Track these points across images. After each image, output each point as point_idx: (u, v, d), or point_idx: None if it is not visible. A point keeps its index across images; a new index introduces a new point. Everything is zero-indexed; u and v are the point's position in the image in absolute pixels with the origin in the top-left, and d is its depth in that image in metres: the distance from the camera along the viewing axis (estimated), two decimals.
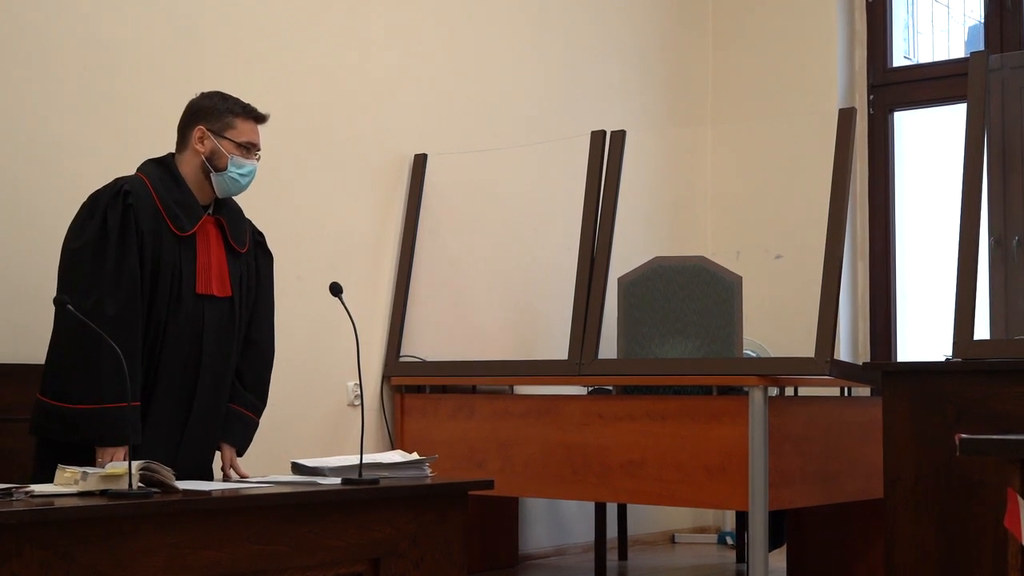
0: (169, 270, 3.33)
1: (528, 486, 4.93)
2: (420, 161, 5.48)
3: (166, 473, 2.81)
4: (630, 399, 4.76)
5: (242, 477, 3.46)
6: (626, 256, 5.35)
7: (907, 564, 3.95)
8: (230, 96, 3.48)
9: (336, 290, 3.36)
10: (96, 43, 4.39)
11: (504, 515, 5.61)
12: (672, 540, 6.62)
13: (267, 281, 3.63)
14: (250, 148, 3.45)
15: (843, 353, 6.36)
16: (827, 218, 4.50)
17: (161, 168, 3.42)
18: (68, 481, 2.74)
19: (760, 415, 4.35)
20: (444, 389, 5.27)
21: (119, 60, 4.46)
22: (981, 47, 6.21)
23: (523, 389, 5.27)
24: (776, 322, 6.06)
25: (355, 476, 3.15)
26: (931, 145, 6.68)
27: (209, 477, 3.43)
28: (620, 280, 5.23)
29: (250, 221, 3.60)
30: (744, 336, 5.18)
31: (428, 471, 3.38)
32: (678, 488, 4.55)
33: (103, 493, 2.68)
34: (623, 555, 6.02)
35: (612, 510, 5.92)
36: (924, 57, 6.82)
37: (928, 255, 6.50)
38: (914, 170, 6.66)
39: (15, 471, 3.44)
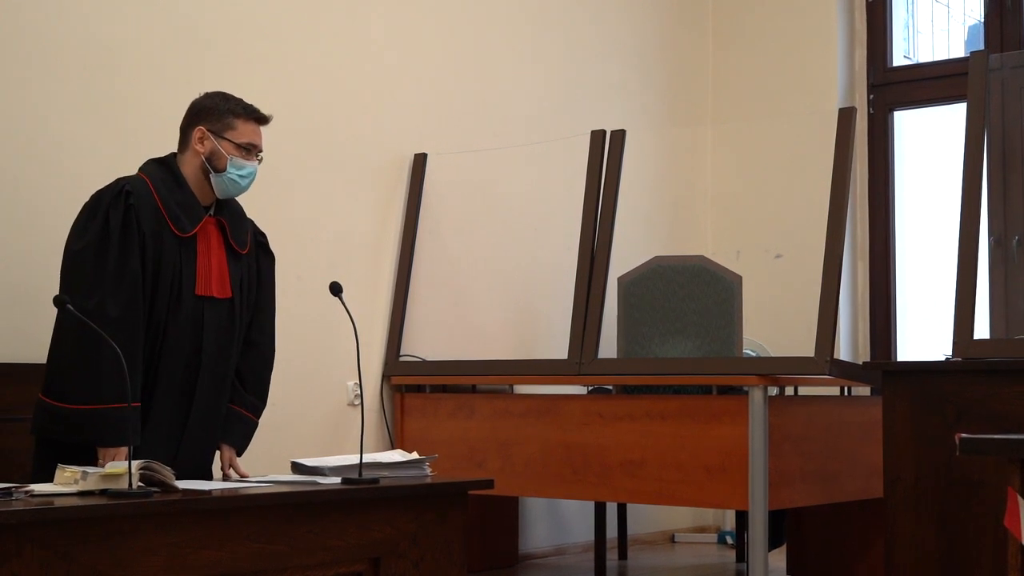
0: (170, 271, 3.32)
1: (528, 486, 4.93)
2: (420, 161, 5.48)
3: (166, 473, 2.81)
4: (630, 399, 4.76)
5: (242, 477, 3.46)
6: (626, 256, 5.35)
7: (907, 564, 3.95)
8: (232, 97, 3.47)
9: (336, 290, 3.36)
10: (96, 43, 4.39)
11: (504, 515, 5.61)
12: (672, 540, 6.62)
13: (268, 282, 3.63)
14: (250, 149, 3.43)
15: (843, 353, 6.36)
16: (827, 218, 4.50)
17: (163, 168, 3.42)
18: (68, 481, 2.74)
19: (760, 415, 4.35)
20: (444, 389, 5.27)
21: (119, 60, 4.46)
22: (981, 47, 6.21)
23: (523, 389, 5.27)
24: (776, 322, 6.06)
25: (355, 476, 3.15)
26: (931, 145, 6.68)
27: (209, 477, 3.43)
28: (620, 280, 5.23)
29: (252, 221, 3.60)
30: (744, 336, 5.18)
31: (428, 471, 3.38)
32: (678, 488, 4.55)
33: (103, 493, 2.68)
34: (623, 555, 6.02)
35: (612, 510, 5.92)
36: (924, 57, 6.82)
37: (928, 255, 6.50)
38: (914, 170, 6.66)
39: (15, 471, 3.44)
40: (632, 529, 6.21)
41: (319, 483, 3.10)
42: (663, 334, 5.13)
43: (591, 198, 5.02)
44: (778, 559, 5.32)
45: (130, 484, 2.69)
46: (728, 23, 7.00)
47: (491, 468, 4.91)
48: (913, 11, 6.82)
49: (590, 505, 5.74)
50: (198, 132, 3.42)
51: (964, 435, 2.81)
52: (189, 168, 3.42)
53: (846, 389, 5.05)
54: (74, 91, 4.32)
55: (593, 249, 4.97)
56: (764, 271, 6.30)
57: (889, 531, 3.99)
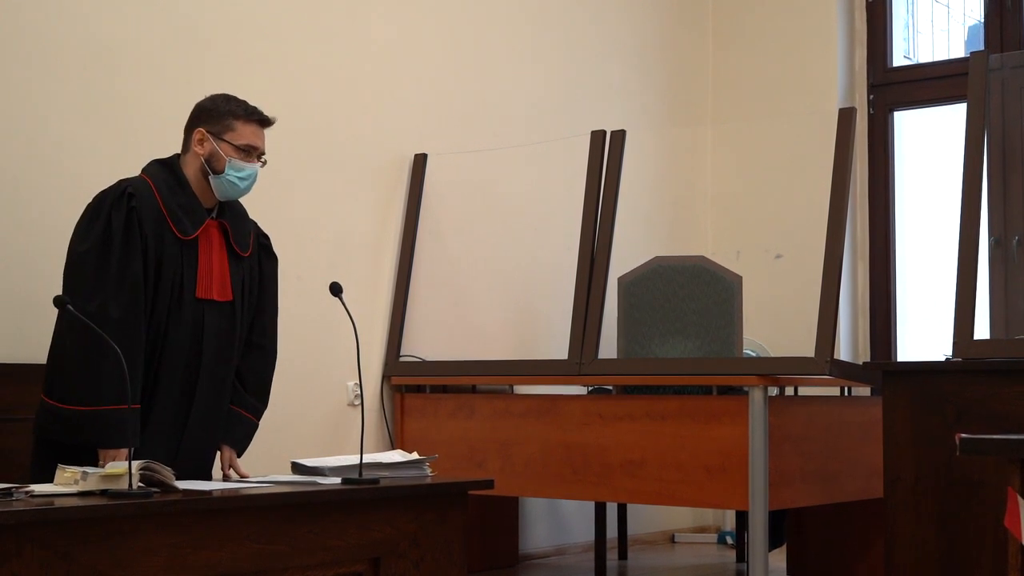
0: (171, 274, 3.32)
1: (528, 486, 4.93)
2: (420, 161, 5.48)
3: (166, 473, 2.81)
4: (630, 399, 4.76)
5: (242, 477, 3.47)
6: (626, 256, 5.35)
7: (907, 564, 3.95)
8: (235, 98, 3.46)
9: (336, 290, 3.36)
10: (96, 43, 4.39)
11: (504, 515, 5.61)
12: (672, 540, 6.62)
13: (271, 284, 3.62)
14: (250, 151, 3.43)
15: (843, 353, 6.36)
16: (827, 218, 4.50)
17: (166, 170, 3.41)
18: (68, 481, 2.74)
19: (760, 415, 4.35)
20: (444, 389, 5.27)
21: (119, 60, 4.46)
22: (981, 47, 6.21)
23: (523, 389, 5.28)
24: (776, 322, 6.06)
25: (355, 476, 3.15)
26: (931, 145, 6.68)
27: (209, 478, 3.43)
28: (620, 280, 5.23)
29: (255, 223, 3.60)
30: (744, 336, 5.18)
31: (428, 471, 3.38)
32: (678, 488, 4.55)
33: (103, 493, 2.68)
34: (623, 555, 6.02)
35: (612, 510, 5.92)
36: (924, 57, 6.82)
37: (928, 255, 6.50)
38: (914, 170, 6.66)
39: (15, 471, 3.44)
40: (632, 529, 6.21)
41: (319, 483, 3.10)
42: (663, 334, 5.13)
43: (591, 198, 5.02)
44: (778, 559, 5.32)
45: (130, 484, 2.69)
46: (728, 23, 7.00)
47: (491, 468, 4.91)
48: (913, 11, 6.82)
49: (590, 505, 5.74)
50: (198, 134, 3.42)
51: (964, 435, 2.81)
52: (191, 170, 3.42)
53: (846, 389, 5.06)
54: (74, 91, 4.32)
55: (593, 249, 4.97)
56: (764, 271, 6.30)
57: (889, 531, 3.99)
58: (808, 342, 4.47)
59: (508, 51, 5.98)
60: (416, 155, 5.50)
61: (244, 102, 3.45)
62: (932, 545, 3.91)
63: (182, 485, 2.86)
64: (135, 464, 2.74)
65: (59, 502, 2.56)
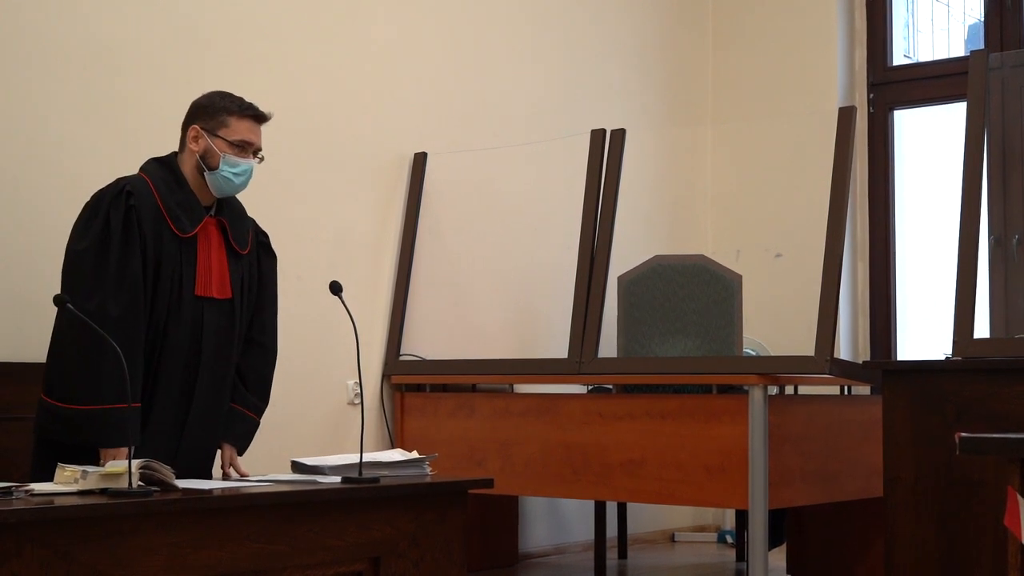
0: (169, 272, 3.32)
1: (528, 485, 4.93)
2: (420, 160, 5.48)
3: (166, 472, 2.81)
4: (630, 398, 4.76)
5: (242, 476, 3.47)
6: (626, 255, 5.35)
7: (907, 564, 3.95)
8: (230, 95, 3.46)
9: (336, 289, 3.36)
10: (96, 43, 4.39)
11: (504, 514, 5.61)
12: (672, 539, 6.62)
13: (270, 281, 3.62)
14: (244, 147, 3.42)
15: (843, 352, 6.36)
16: (827, 217, 4.50)
17: (164, 168, 3.41)
18: (68, 480, 2.74)
19: (760, 414, 4.35)
20: (444, 388, 5.27)
21: (119, 60, 4.46)
22: (981, 46, 6.21)
23: (523, 388, 5.28)
24: (776, 321, 6.06)
25: (355, 475, 3.15)
26: (931, 144, 6.68)
27: (209, 477, 3.43)
28: (620, 279, 5.23)
29: (254, 221, 3.60)
30: (744, 335, 5.18)
31: (428, 470, 3.38)
32: (678, 487, 4.55)
33: (103, 492, 2.68)
34: (623, 554, 6.02)
35: (612, 509, 5.92)
36: (924, 56, 6.82)
37: (928, 254, 6.50)
38: (914, 169, 6.66)
39: (15, 471, 3.44)
40: (632, 528, 6.21)
41: (319, 482, 3.10)
42: (663, 333, 5.13)
43: (591, 198, 5.02)
44: (778, 558, 5.32)
45: (130, 483, 2.68)
46: (728, 23, 7.00)
47: (491, 467, 4.91)
48: (913, 10, 6.82)
49: (590, 504, 5.74)
50: (192, 131, 3.42)
51: (964, 435, 2.81)
52: (187, 167, 3.42)
53: (846, 388, 5.05)
54: (74, 91, 4.32)
55: (593, 249, 4.97)
56: (764, 271, 6.30)
57: (889, 531, 3.99)
58: (808, 341, 4.47)
59: (508, 51, 5.98)
60: (416, 154, 5.50)
61: (239, 98, 3.45)
62: (932, 545, 3.91)
63: (182, 484, 2.86)
64: (135, 463, 2.74)
65: (59, 501, 2.56)
